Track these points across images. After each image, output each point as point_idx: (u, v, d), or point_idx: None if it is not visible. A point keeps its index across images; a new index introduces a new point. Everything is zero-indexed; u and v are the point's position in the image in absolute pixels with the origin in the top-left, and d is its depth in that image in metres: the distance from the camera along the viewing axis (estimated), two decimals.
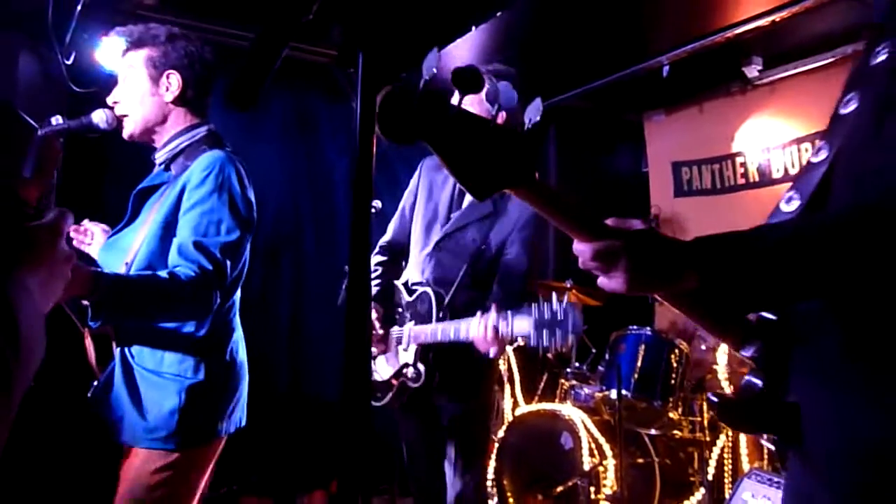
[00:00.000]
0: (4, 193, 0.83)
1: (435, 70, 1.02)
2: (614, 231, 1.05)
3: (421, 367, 2.43)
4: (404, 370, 2.47)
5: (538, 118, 1.09)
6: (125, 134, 2.02)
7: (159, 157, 2.02)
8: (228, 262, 1.85)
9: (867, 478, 0.95)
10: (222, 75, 2.12)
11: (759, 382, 1.12)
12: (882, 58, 1.03)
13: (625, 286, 1.02)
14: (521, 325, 2.10)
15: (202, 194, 1.86)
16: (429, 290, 2.52)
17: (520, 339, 2.12)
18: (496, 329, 2.17)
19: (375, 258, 2.86)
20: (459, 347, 2.33)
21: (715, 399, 1.15)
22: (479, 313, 2.22)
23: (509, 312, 2.16)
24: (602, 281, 1.05)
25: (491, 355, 2.25)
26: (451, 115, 1.02)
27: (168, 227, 1.88)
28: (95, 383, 1.91)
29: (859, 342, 0.99)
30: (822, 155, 1.10)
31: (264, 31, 0.59)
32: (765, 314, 1.12)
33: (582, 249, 1.04)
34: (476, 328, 2.22)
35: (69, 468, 2.09)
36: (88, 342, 1.90)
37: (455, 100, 1.07)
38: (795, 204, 1.10)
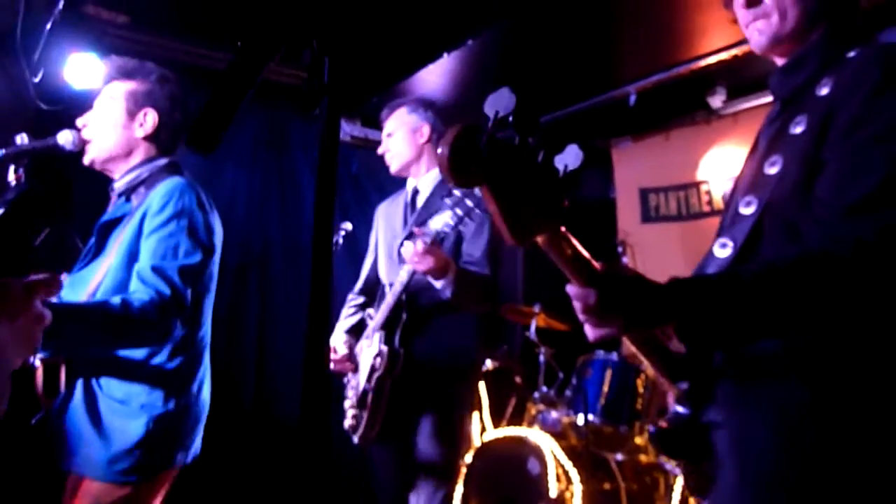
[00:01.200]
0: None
1: (501, 111, 0.99)
2: (605, 275, 1.12)
3: (384, 347, 2.46)
4: (374, 361, 2.47)
5: (578, 165, 1.10)
6: (86, 159, 2.00)
7: (118, 186, 2.01)
8: (188, 287, 1.83)
9: (767, 482, 1.17)
10: (193, 95, 2.12)
11: (684, 411, 1.26)
12: (801, 128, 1.21)
13: (614, 333, 1.14)
14: (440, 219, 2.15)
15: (161, 220, 1.86)
16: (385, 282, 2.56)
17: (448, 222, 2.13)
18: (422, 242, 2.22)
19: (352, 300, 2.89)
20: (424, 325, 2.45)
21: (652, 430, 1.26)
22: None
23: (427, 221, 2.23)
24: (591, 330, 1.16)
25: (425, 268, 2.28)
26: (516, 163, 1.02)
27: (132, 257, 1.87)
28: (41, 413, 1.86)
29: (762, 371, 1.20)
30: (752, 208, 1.25)
31: (227, 73, 0.59)
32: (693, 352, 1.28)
33: (577, 294, 1.12)
34: (409, 254, 2.28)
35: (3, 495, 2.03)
36: (39, 372, 1.85)
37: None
38: (729, 250, 1.26)
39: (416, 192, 2.74)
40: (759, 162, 1.29)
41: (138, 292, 1.77)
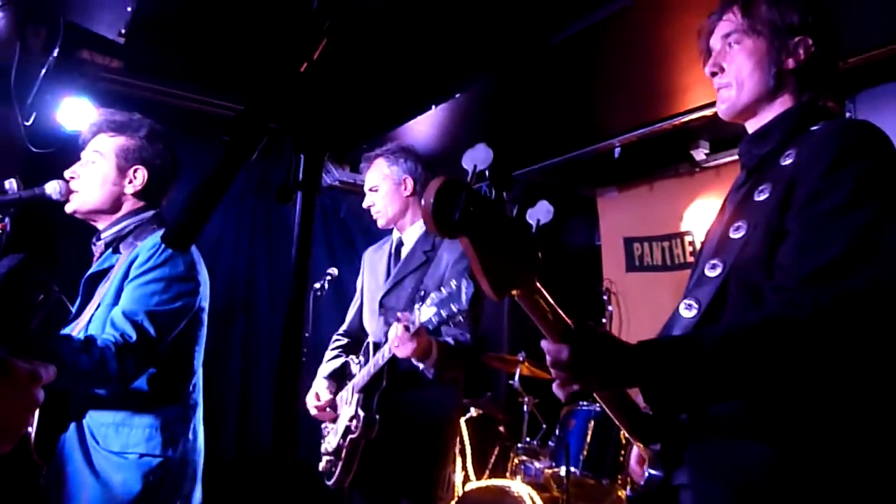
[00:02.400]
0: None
1: (478, 166, 1.03)
2: (578, 332, 1.15)
3: (361, 413, 2.44)
4: (350, 423, 2.47)
5: (549, 219, 1.13)
6: (69, 208, 2.02)
7: (105, 236, 2.03)
8: (160, 332, 1.83)
9: None
10: (185, 139, 2.15)
11: (658, 474, 1.28)
12: (765, 196, 1.27)
13: (586, 391, 1.17)
14: (426, 311, 2.14)
15: (143, 269, 1.88)
16: (370, 341, 2.55)
17: (432, 319, 2.13)
18: (405, 327, 2.21)
19: (335, 341, 2.89)
20: (403, 391, 2.43)
21: (629, 494, 1.27)
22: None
23: (415, 306, 2.21)
24: (561, 390, 1.18)
25: (407, 355, 2.26)
26: (494, 216, 1.05)
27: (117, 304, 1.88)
28: (44, 470, 1.84)
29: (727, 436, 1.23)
30: (717, 270, 1.29)
31: (205, 177, 0.62)
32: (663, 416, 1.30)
33: (550, 349, 1.15)
34: (392, 337, 2.26)
35: None
36: (31, 437, 1.83)
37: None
38: (694, 312, 1.30)
39: (400, 243, 2.76)
40: (726, 226, 1.33)
41: (106, 334, 1.78)
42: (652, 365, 1.14)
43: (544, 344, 1.17)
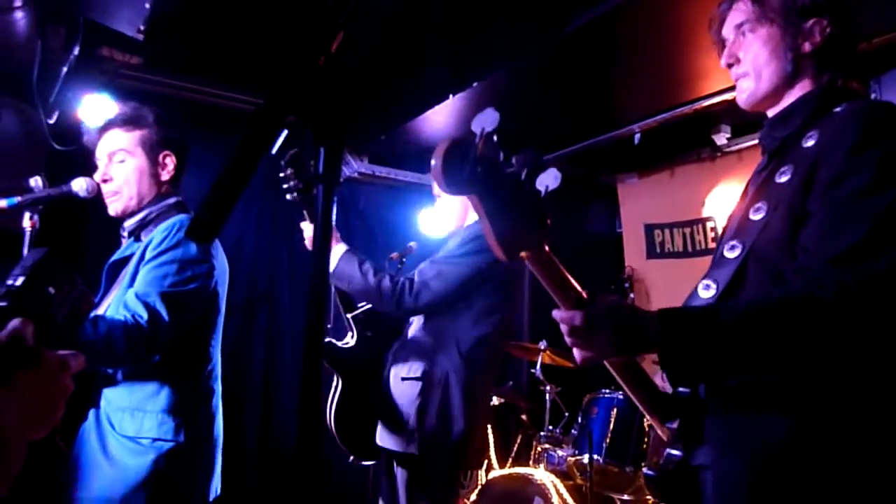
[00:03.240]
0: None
1: (486, 128, 1.05)
2: (591, 302, 1.18)
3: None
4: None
5: (556, 186, 1.15)
6: (114, 211, 2.05)
7: (128, 225, 2.06)
8: (173, 314, 1.83)
9: None
10: (205, 134, 2.17)
11: (678, 453, 1.27)
12: (786, 177, 1.26)
13: (600, 356, 1.19)
14: None
15: (156, 252, 1.90)
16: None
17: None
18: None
19: None
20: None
21: (647, 473, 1.27)
22: None
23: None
24: (578, 352, 1.20)
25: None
26: (503, 173, 1.08)
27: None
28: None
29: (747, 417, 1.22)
30: (737, 252, 1.29)
31: (226, 168, 0.63)
32: (682, 391, 1.30)
33: (563, 317, 1.18)
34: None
35: None
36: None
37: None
38: (712, 291, 1.30)
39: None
40: (746, 208, 1.33)
41: (117, 315, 1.80)
42: (672, 330, 1.16)
43: (556, 313, 1.19)
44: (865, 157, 1.17)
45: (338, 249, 2.38)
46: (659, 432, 1.36)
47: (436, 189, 2.77)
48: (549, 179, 1.14)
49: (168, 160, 2.08)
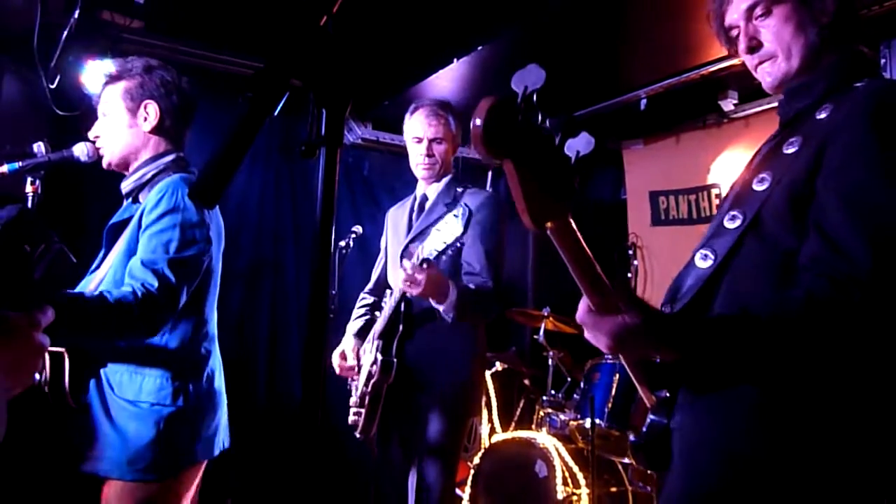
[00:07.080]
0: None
1: (529, 87, 0.98)
2: (614, 291, 1.15)
3: (380, 356, 2.50)
4: (371, 370, 2.52)
5: (588, 151, 1.09)
6: (104, 163, 2.04)
7: (125, 186, 2.03)
8: (181, 280, 1.84)
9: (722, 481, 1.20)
10: (207, 99, 2.14)
11: (660, 420, 1.28)
12: (794, 149, 1.24)
13: (609, 352, 1.19)
14: (429, 244, 2.14)
15: (154, 216, 1.88)
16: (387, 290, 2.58)
17: (434, 251, 2.13)
18: (413, 265, 2.22)
19: (362, 300, 2.93)
20: (420, 335, 2.50)
21: (632, 440, 1.28)
22: None
23: (418, 243, 2.23)
24: (590, 336, 1.20)
25: (418, 292, 2.26)
26: (541, 142, 1.01)
27: (132, 254, 1.90)
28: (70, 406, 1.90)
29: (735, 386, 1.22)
30: (737, 222, 1.27)
31: (231, 131, 0.62)
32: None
33: (586, 316, 1.17)
34: (400, 281, 2.28)
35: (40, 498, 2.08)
36: (66, 371, 1.90)
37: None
38: (710, 262, 1.28)
39: (424, 198, 2.75)
40: (750, 177, 1.31)
41: (126, 285, 1.79)
42: (696, 344, 1.17)
43: (583, 317, 1.18)
44: (877, 144, 1.15)
45: None
46: (646, 401, 1.35)
47: (437, 133, 2.66)
48: (580, 144, 1.07)
49: (149, 109, 2.00)
